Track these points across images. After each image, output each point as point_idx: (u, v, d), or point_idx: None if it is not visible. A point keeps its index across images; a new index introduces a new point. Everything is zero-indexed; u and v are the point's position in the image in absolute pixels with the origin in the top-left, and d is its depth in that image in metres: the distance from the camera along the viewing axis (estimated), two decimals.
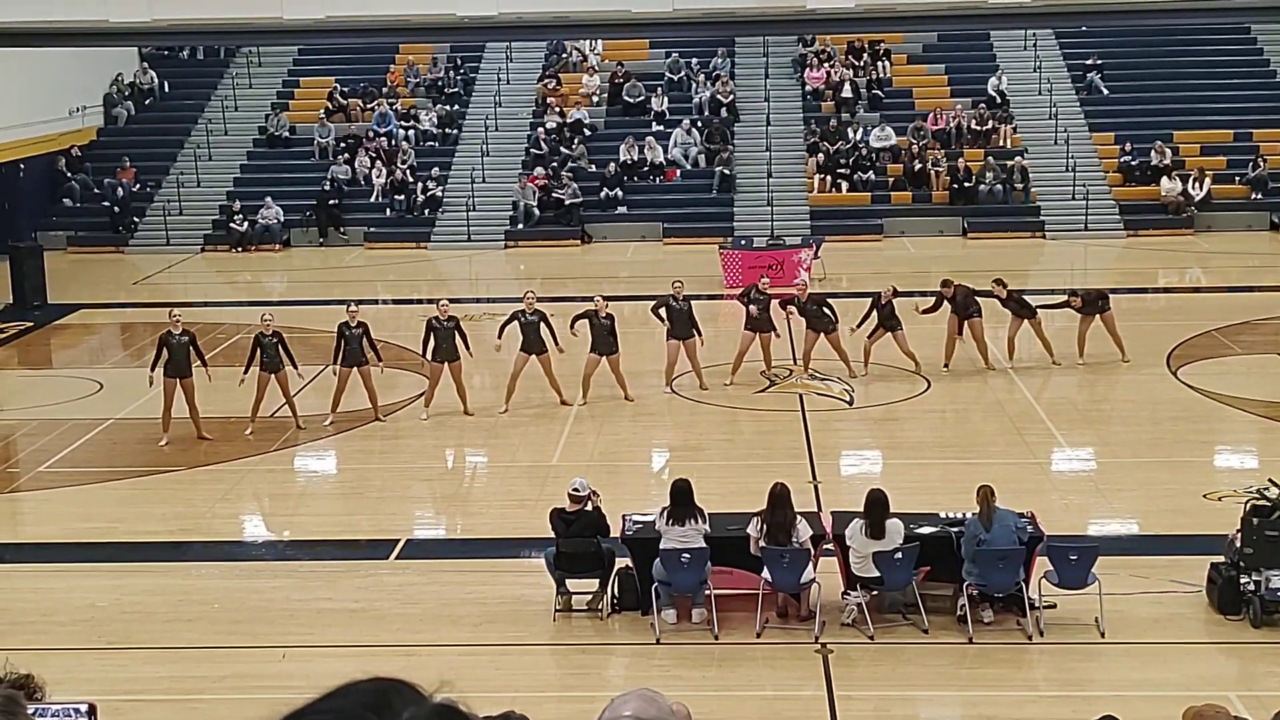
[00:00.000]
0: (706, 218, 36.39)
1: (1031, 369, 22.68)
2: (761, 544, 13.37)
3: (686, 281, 22.79)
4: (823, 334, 22.17)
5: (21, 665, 7.15)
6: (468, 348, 20.78)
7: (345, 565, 15.57)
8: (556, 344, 21.00)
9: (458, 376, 20.78)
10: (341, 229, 37.20)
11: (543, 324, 20.86)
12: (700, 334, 21.88)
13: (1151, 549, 15.36)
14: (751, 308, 22.03)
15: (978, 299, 22.63)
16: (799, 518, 13.63)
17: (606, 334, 21.04)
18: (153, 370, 19.87)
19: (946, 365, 22.65)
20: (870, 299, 22.64)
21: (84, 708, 6.27)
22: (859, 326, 22.46)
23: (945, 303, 22.75)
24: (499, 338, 21.19)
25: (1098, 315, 22.63)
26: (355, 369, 20.59)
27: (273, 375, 20.20)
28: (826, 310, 22.24)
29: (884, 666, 12.85)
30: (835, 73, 40.50)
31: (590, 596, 14.03)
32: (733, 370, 22.28)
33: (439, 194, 37.59)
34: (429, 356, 20.87)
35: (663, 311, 21.92)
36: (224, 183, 38.83)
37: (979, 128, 38.64)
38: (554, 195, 36.78)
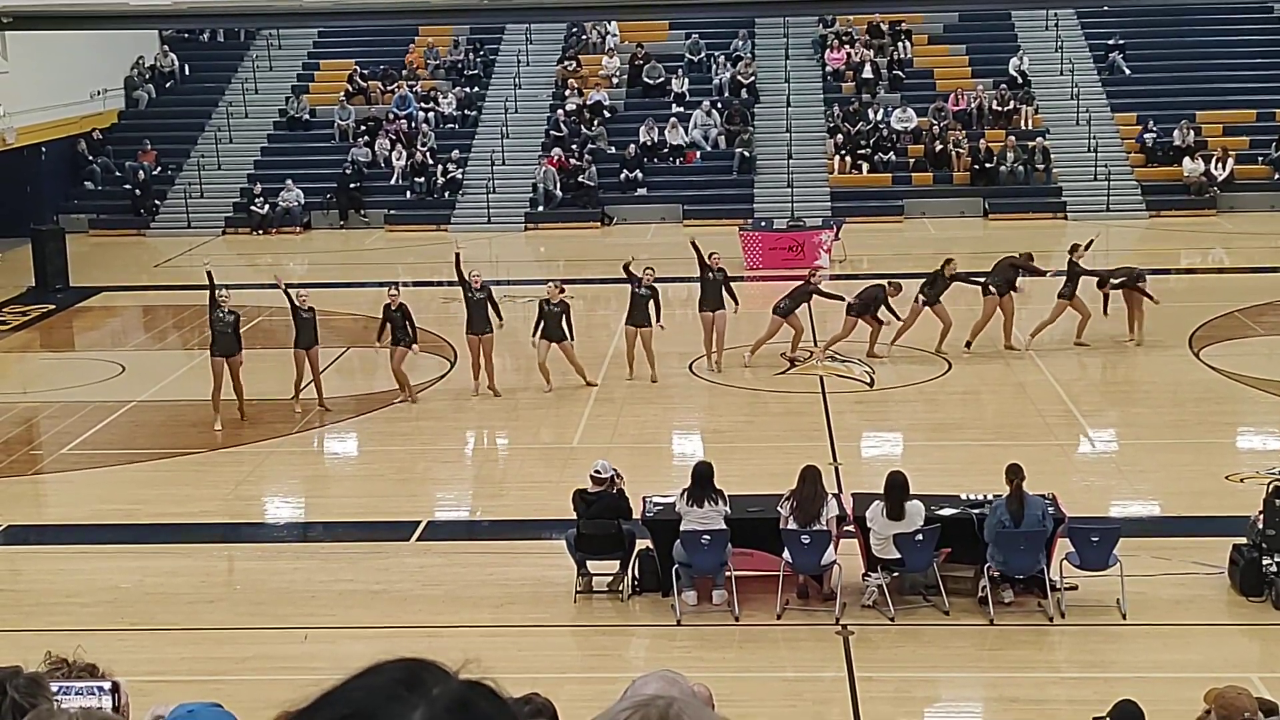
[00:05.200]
0: (727, 199, 36.32)
1: (1053, 350, 22.59)
2: (790, 524, 13.35)
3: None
4: (860, 318, 22.14)
5: (47, 646, 7.19)
6: (499, 315, 20.83)
7: (367, 547, 15.62)
8: (571, 338, 20.99)
9: (489, 351, 20.80)
10: (362, 211, 37.23)
11: (565, 316, 20.87)
12: (737, 301, 21.82)
13: (1173, 530, 15.32)
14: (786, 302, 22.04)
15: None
16: (830, 498, 13.63)
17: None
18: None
19: (968, 345, 22.54)
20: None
21: (107, 686, 6.29)
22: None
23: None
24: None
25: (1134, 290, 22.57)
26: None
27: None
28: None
29: (905, 648, 12.85)
30: (856, 53, 40.37)
31: (611, 578, 14.05)
32: (752, 350, 22.24)
33: (459, 176, 37.59)
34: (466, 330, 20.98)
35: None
36: (245, 165, 38.88)
37: (1000, 108, 38.47)
38: (574, 176, 36.75)
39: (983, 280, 22.58)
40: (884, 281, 22.66)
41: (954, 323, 22.31)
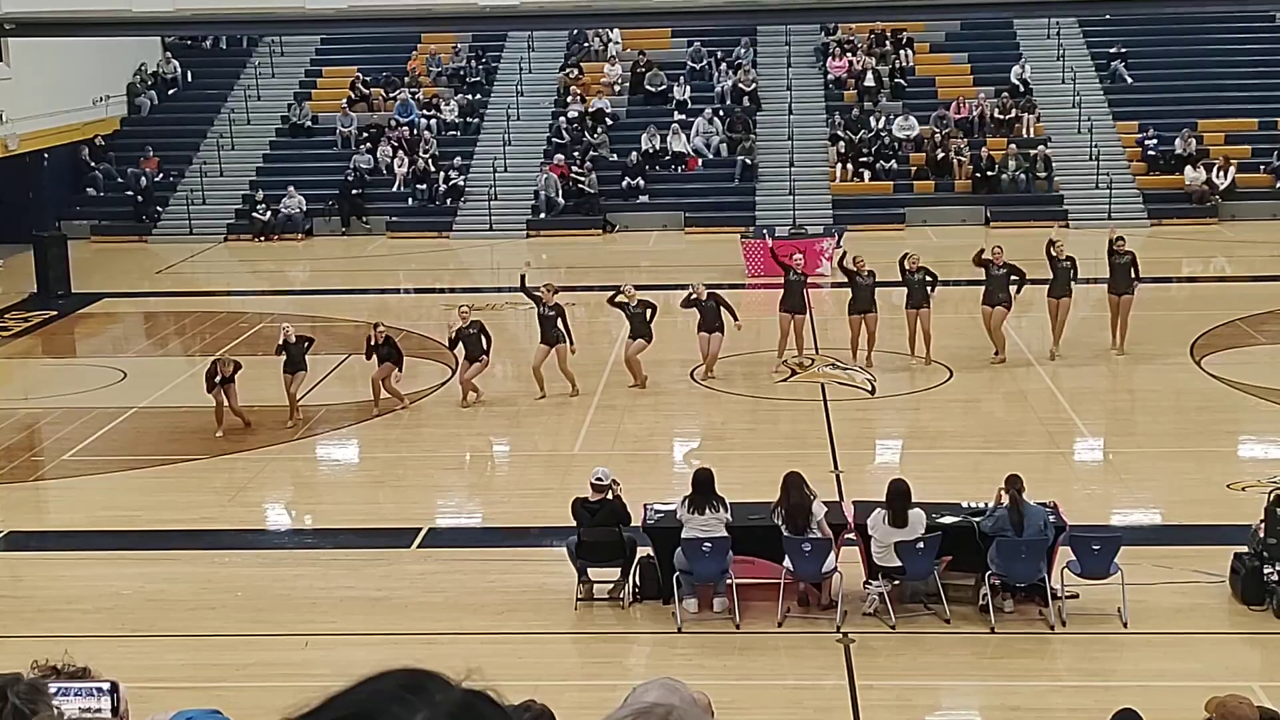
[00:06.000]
0: (728, 207, 36.35)
1: (1054, 358, 22.56)
2: (784, 533, 13.35)
3: (709, 271, 22.80)
4: (864, 316, 22.11)
5: (39, 654, 7.18)
6: (486, 351, 20.75)
7: (367, 554, 15.61)
8: (571, 341, 21.01)
9: (474, 373, 20.76)
10: (364, 218, 37.26)
11: (560, 319, 20.88)
12: (736, 317, 21.75)
13: (1174, 539, 15.31)
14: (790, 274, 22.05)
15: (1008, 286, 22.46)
16: (815, 498, 13.59)
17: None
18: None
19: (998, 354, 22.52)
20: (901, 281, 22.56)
21: (105, 686, 6.29)
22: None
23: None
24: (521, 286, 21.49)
25: (1125, 295, 22.51)
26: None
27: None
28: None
29: (906, 656, 12.85)
30: (858, 61, 40.39)
31: (612, 585, 14.05)
32: (779, 353, 22.24)
33: (461, 183, 37.62)
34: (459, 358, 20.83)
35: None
36: (247, 172, 38.89)
37: (1002, 116, 38.49)
38: (576, 185, 36.77)
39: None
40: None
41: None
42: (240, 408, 19.93)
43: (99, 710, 6.35)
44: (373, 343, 20.52)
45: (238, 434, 19.94)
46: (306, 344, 20.46)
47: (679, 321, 23.28)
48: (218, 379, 19.79)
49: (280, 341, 20.35)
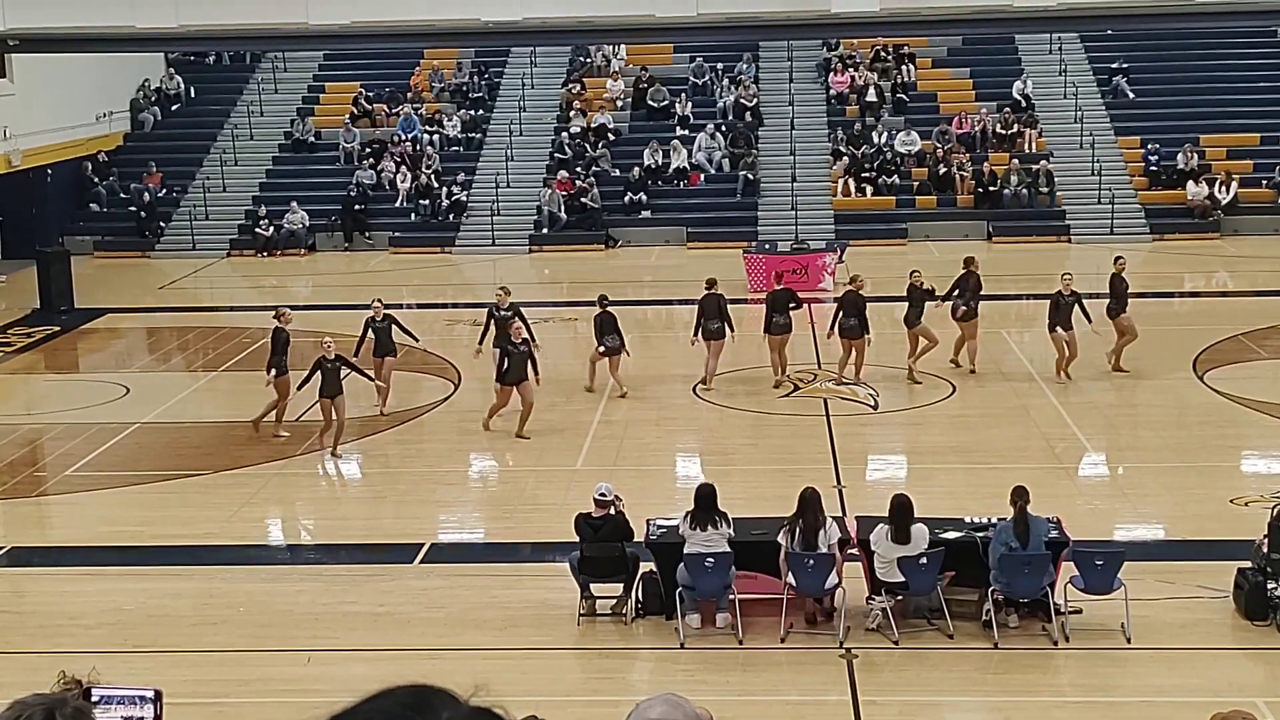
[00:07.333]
0: (730, 222, 36.38)
1: (1055, 374, 22.55)
2: (794, 549, 13.33)
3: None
4: (854, 340, 22.10)
5: (55, 668, 7.15)
6: (537, 372, 20.56)
7: (370, 569, 15.60)
8: (533, 339, 20.94)
9: (527, 396, 20.37)
10: (367, 234, 37.31)
11: (516, 318, 20.95)
12: (732, 328, 21.82)
13: (1178, 554, 15.30)
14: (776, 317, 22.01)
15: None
16: (830, 520, 13.59)
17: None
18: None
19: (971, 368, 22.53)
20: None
21: (149, 694, 6.22)
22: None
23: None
24: (480, 344, 21.38)
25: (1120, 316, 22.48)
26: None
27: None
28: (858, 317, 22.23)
29: (909, 672, 12.83)
30: (860, 77, 40.47)
31: (614, 601, 14.04)
32: (781, 372, 22.23)
33: (464, 199, 37.66)
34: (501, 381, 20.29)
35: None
36: (250, 187, 38.97)
37: (1004, 131, 38.55)
38: (578, 200, 36.81)
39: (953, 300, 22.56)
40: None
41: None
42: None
43: (141, 718, 6.30)
44: (376, 320, 20.68)
45: (238, 447, 19.96)
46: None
47: (680, 335, 23.28)
48: (284, 322, 20.43)
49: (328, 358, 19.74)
